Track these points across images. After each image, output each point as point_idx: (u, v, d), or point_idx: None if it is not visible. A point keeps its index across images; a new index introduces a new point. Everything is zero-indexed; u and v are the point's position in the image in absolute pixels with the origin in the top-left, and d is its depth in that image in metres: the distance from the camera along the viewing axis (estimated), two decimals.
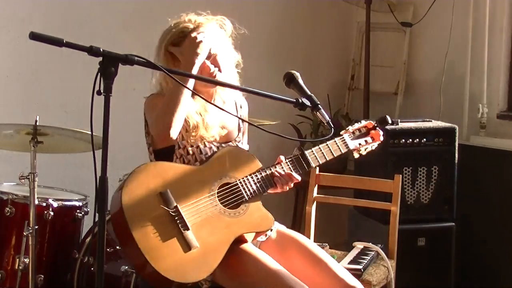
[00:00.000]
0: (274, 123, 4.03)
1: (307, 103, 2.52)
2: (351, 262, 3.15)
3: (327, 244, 3.18)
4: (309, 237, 3.38)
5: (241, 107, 2.88)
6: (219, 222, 2.57)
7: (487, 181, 4.29)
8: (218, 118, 2.73)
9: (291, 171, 2.68)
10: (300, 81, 2.61)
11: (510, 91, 4.45)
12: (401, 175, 3.43)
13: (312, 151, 2.73)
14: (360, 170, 4.03)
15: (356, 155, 2.87)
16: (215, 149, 2.71)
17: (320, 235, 3.51)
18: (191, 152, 2.68)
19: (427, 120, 4.14)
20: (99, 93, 2.07)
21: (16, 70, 4.02)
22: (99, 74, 2.07)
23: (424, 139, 3.99)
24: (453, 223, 4.03)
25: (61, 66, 4.12)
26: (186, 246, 2.50)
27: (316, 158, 2.73)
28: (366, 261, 3.18)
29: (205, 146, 2.70)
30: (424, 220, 4.01)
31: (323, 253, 2.73)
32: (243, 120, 2.83)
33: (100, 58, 2.08)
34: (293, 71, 2.64)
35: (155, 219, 2.51)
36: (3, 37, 3.97)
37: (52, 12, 4.08)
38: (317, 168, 3.47)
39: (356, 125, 2.87)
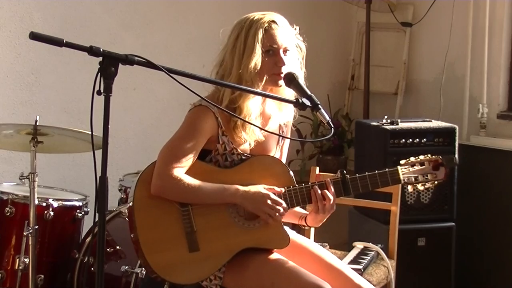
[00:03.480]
0: None
1: (307, 103, 2.51)
2: (351, 262, 3.15)
3: (327, 244, 3.17)
4: (309, 237, 3.38)
5: (284, 124, 2.77)
6: (229, 230, 2.54)
7: (487, 181, 4.29)
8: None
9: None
10: (300, 81, 2.60)
11: (510, 91, 4.45)
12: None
13: (356, 177, 2.64)
14: (360, 170, 4.03)
15: (410, 189, 2.73)
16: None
17: (320, 235, 3.51)
18: (223, 159, 2.61)
19: (427, 120, 4.14)
20: (99, 93, 2.06)
21: (16, 70, 4.02)
22: (99, 74, 2.07)
23: (424, 139, 3.99)
24: (453, 223, 4.03)
25: (61, 66, 4.12)
26: (186, 247, 2.49)
27: (358, 187, 2.64)
28: (366, 261, 3.18)
29: (238, 156, 2.61)
30: (424, 220, 4.01)
31: (336, 260, 2.71)
32: (282, 136, 2.74)
33: (100, 58, 2.08)
34: (293, 71, 2.63)
35: (165, 214, 2.50)
36: (4, 37, 3.97)
37: (52, 12, 4.08)
38: (317, 168, 3.47)
39: (422, 157, 2.70)
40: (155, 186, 2.48)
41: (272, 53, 2.59)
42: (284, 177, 2.63)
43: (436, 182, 2.70)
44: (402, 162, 2.69)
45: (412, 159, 2.70)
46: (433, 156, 2.70)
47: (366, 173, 2.66)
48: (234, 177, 2.57)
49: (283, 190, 2.59)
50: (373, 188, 2.66)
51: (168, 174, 2.47)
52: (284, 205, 2.56)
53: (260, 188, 2.56)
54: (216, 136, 2.58)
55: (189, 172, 2.52)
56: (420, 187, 2.70)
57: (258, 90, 2.56)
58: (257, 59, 2.55)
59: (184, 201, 2.51)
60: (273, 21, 2.60)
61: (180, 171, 2.49)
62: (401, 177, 2.65)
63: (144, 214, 2.50)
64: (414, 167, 2.68)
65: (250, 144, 2.63)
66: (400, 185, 3.34)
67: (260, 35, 2.56)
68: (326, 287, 2.48)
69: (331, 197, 2.59)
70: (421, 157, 2.70)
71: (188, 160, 2.51)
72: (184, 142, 2.52)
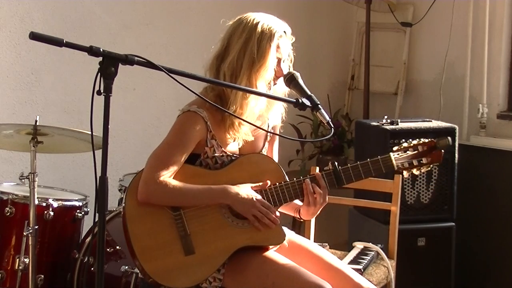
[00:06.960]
0: None
1: (307, 103, 2.51)
2: (351, 262, 3.15)
3: (327, 244, 3.17)
4: (309, 237, 3.38)
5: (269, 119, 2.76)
6: (223, 231, 2.54)
7: (487, 181, 4.29)
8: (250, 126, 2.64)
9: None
10: (300, 81, 2.60)
11: (510, 91, 4.46)
12: (401, 175, 3.43)
13: (348, 167, 2.62)
14: None
15: (406, 175, 2.69)
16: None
17: (320, 235, 3.51)
18: (213, 162, 2.61)
19: (427, 120, 4.14)
20: (99, 93, 2.07)
21: (16, 70, 4.02)
22: (99, 74, 2.07)
23: None
24: (453, 223, 4.04)
25: (61, 66, 4.12)
26: (182, 251, 2.49)
27: (351, 176, 2.62)
28: (366, 261, 3.18)
29: (228, 157, 2.62)
30: (424, 220, 4.01)
31: (335, 260, 2.71)
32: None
33: (100, 58, 2.08)
34: (293, 71, 2.63)
35: (158, 220, 2.50)
36: (4, 37, 3.96)
37: (52, 12, 4.07)
38: (317, 168, 3.47)
39: (414, 142, 2.67)
40: (141, 193, 2.48)
41: (277, 62, 2.61)
42: (276, 173, 2.63)
43: (431, 166, 2.66)
44: (394, 148, 2.67)
45: (405, 144, 2.67)
46: (426, 140, 2.67)
47: (358, 162, 2.64)
48: (225, 177, 2.57)
49: (268, 182, 2.59)
50: (367, 176, 2.63)
51: (153, 180, 2.47)
52: (273, 209, 2.56)
53: (249, 189, 2.56)
54: (204, 140, 2.58)
55: (178, 176, 2.51)
56: (415, 172, 2.66)
57: (259, 91, 2.56)
58: (272, 68, 2.57)
59: (172, 205, 2.51)
60: (285, 32, 2.62)
61: (166, 176, 2.49)
62: (394, 163, 2.63)
63: (137, 223, 2.50)
64: (407, 152, 2.65)
65: (239, 144, 2.64)
66: (399, 184, 3.38)
67: (275, 44, 2.58)
68: (327, 286, 2.49)
69: (321, 190, 2.60)
70: (414, 141, 2.67)
71: (176, 167, 2.51)
72: (173, 149, 2.53)
